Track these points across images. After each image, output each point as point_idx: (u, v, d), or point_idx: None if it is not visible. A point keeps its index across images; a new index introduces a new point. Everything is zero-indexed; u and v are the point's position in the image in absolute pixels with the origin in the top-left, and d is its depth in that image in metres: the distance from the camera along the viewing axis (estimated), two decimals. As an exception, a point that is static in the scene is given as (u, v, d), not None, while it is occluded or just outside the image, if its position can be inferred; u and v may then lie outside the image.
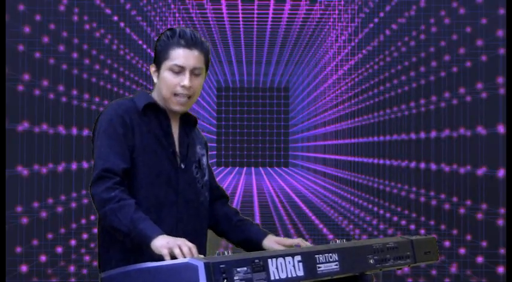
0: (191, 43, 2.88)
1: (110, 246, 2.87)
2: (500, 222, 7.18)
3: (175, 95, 2.89)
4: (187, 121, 3.03)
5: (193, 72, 2.89)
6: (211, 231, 3.13)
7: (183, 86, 2.87)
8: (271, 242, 2.98)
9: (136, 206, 2.71)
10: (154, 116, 2.91)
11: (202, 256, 2.51)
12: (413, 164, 9.59)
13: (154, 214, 2.79)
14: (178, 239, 2.61)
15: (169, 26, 14.45)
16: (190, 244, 2.58)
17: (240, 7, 13.54)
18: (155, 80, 2.93)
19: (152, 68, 2.94)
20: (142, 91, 2.99)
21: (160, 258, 2.56)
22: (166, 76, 2.88)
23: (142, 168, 2.83)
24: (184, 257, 2.52)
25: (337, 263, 2.64)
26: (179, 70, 2.87)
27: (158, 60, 2.91)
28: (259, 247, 3.01)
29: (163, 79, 2.89)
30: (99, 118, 2.87)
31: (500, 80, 7.24)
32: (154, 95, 2.96)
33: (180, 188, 2.90)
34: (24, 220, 7.16)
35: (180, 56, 2.87)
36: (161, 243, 2.59)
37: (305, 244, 2.92)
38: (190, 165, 2.96)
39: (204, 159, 3.06)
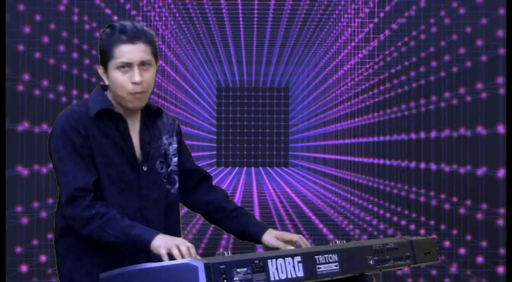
0: (133, 36, 2.76)
1: (67, 258, 2.83)
2: (500, 222, 7.18)
3: (130, 93, 2.77)
4: (149, 114, 2.92)
5: (142, 65, 2.77)
6: None
7: (134, 83, 2.75)
8: (271, 237, 2.94)
9: (121, 215, 2.69)
10: (109, 120, 2.81)
11: (201, 257, 2.51)
12: (413, 164, 9.59)
13: None
14: (177, 238, 2.60)
15: (169, 26, 14.45)
16: (188, 244, 2.58)
17: (240, 7, 13.54)
18: (106, 81, 2.82)
19: (100, 70, 2.82)
20: (97, 90, 2.87)
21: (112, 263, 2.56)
22: (116, 76, 2.77)
23: (102, 176, 2.76)
24: (183, 257, 2.52)
25: (336, 263, 2.64)
26: (126, 66, 2.76)
27: (104, 60, 2.79)
28: (257, 241, 2.97)
29: (114, 80, 2.77)
30: (53, 131, 2.78)
31: (500, 80, 7.24)
32: (110, 94, 2.85)
33: (143, 191, 2.83)
34: (24, 220, 7.16)
35: (124, 52, 2.75)
36: (159, 243, 2.58)
37: (304, 241, 2.91)
38: (153, 162, 2.88)
39: (172, 148, 2.96)
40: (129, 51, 2.75)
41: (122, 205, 2.78)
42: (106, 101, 2.83)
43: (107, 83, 2.83)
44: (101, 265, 2.70)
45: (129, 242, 2.65)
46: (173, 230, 2.91)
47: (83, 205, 2.69)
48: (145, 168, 2.84)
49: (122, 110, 2.84)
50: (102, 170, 2.76)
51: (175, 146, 2.97)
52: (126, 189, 2.80)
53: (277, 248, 2.91)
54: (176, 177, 2.96)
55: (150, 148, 2.88)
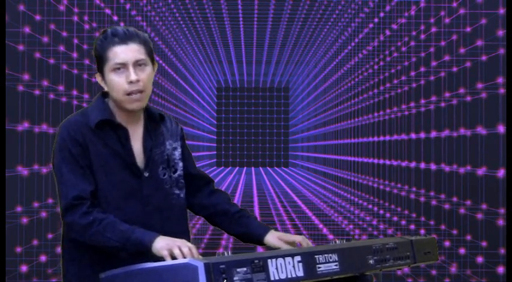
0: (125, 38, 2.78)
1: (73, 261, 2.84)
2: (500, 222, 7.18)
3: (128, 94, 2.78)
4: (152, 120, 2.92)
5: (137, 65, 2.78)
6: None
7: (130, 82, 2.76)
8: (273, 238, 2.94)
9: (119, 220, 2.70)
10: (109, 130, 2.82)
11: (202, 257, 2.51)
12: (413, 164, 9.59)
13: None
14: (177, 240, 2.60)
15: (169, 26, 14.45)
16: (190, 244, 2.58)
17: (240, 7, 13.55)
18: (105, 88, 2.82)
19: (98, 78, 2.83)
20: (98, 99, 2.88)
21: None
22: (112, 78, 2.77)
23: (102, 185, 2.78)
24: (184, 258, 2.52)
25: (336, 263, 2.64)
26: (122, 68, 2.77)
27: (99, 66, 2.81)
28: (260, 242, 2.98)
29: (111, 83, 2.78)
30: (55, 142, 2.81)
31: (500, 80, 7.24)
32: (110, 102, 2.86)
33: (145, 197, 2.83)
34: (24, 220, 7.16)
35: (118, 53, 2.76)
36: (161, 245, 2.59)
37: (307, 242, 2.91)
38: (155, 169, 2.88)
39: (176, 153, 2.96)
40: (123, 52, 2.77)
41: (125, 211, 2.79)
42: (106, 109, 2.83)
43: (105, 89, 2.83)
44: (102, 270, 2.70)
45: (130, 246, 2.65)
46: (179, 235, 2.90)
47: (80, 212, 2.70)
48: (146, 175, 2.85)
49: (123, 118, 2.84)
50: (103, 178, 2.78)
51: (180, 150, 2.98)
52: (128, 196, 2.81)
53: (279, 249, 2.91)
54: (183, 182, 2.97)
55: (151, 154, 2.87)
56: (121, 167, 2.81)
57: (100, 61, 2.80)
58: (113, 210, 2.76)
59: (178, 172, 2.95)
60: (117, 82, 2.77)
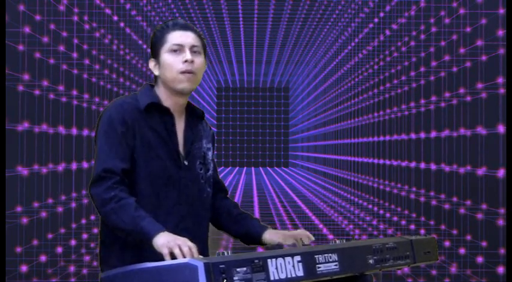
0: (185, 26, 2.93)
1: (110, 245, 2.87)
2: (500, 222, 7.18)
3: (181, 73, 2.88)
4: (193, 115, 3.01)
5: (193, 50, 2.90)
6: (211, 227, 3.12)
7: (185, 61, 2.87)
8: (271, 234, 2.97)
9: (137, 205, 2.72)
10: (157, 114, 2.90)
11: (202, 256, 2.51)
12: (413, 164, 9.60)
13: (156, 213, 2.79)
14: (179, 238, 2.60)
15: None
16: (190, 244, 2.58)
17: (240, 7, 13.55)
18: (156, 72, 2.93)
19: (151, 63, 2.94)
20: (146, 86, 2.97)
21: (161, 256, 2.56)
22: (167, 58, 2.89)
23: (143, 168, 2.82)
24: (184, 257, 2.52)
25: (336, 263, 2.64)
26: (179, 49, 2.88)
27: (156, 50, 2.92)
28: (259, 241, 3.01)
29: (165, 62, 2.89)
30: (101, 117, 2.87)
31: (500, 80, 7.24)
32: (158, 90, 2.95)
33: (182, 186, 2.89)
34: (24, 220, 7.16)
35: (177, 36, 2.90)
36: (162, 242, 2.59)
37: (306, 234, 2.92)
38: (194, 161, 2.94)
39: (210, 153, 3.05)
40: (181, 36, 2.91)
41: (161, 197, 2.84)
42: (155, 96, 2.92)
43: (156, 73, 2.93)
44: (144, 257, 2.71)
45: (135, 233, 2.67)
46: (202, 230, 2.96)
47: (105, 186, 2.74)
48: (186, 163, 2.91)
49: (170, 105, 2.93)
50: (144, 162, 2.83)
51: (212, 152, 3.07)
52: (166, 182, 2.86)
53: (278, 245, 2.92)
54: (213, 182, 3.05)
55: (192, 147, 2.95)
56: (164, 153, 2.87)
57: (157, 45, 2.92)
58: (150, 195, 2.82)
59: (210, 171, 3.03)
60: (172, 61, 2.88)
